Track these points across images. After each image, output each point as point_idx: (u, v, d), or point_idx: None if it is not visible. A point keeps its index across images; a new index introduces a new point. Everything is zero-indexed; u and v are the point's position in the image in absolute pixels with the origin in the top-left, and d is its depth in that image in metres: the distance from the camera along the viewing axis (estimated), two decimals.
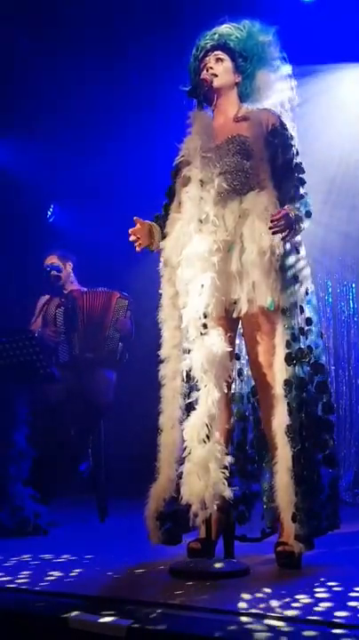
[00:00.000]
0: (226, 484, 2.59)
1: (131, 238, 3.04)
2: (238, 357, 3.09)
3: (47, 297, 4.87)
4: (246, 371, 3.09)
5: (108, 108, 5.53)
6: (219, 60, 3.07)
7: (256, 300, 2.83)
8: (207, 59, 3.07)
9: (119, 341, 4.68)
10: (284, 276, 2.84)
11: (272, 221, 2.74)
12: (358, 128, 5.24)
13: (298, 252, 2.92)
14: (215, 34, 3.09)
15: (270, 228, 2.75)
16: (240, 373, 3.10)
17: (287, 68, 3.09)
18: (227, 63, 3.07)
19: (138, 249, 3.06)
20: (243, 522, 3.04)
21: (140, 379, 4.29)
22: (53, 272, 4.83)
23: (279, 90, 3.08)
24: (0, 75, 5.33)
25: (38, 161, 5.84)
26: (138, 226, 3.04)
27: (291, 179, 2.91)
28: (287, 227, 2.76)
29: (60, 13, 5.07)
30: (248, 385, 3.10)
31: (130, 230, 3.04)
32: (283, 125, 2.98)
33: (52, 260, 4.91)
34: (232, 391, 3.04)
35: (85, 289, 4.86)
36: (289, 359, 2.79)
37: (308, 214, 2.87)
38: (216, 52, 3.07)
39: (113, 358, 4.66)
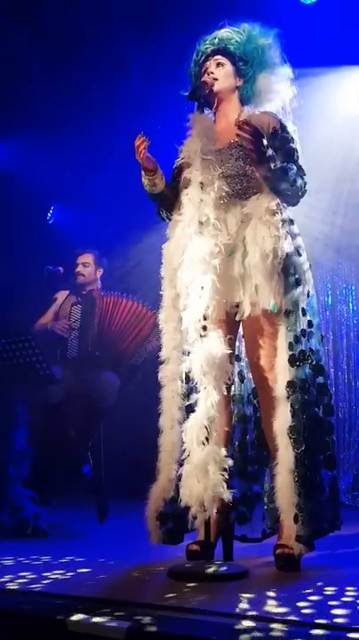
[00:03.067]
0: (225, 486, 2.59)
1: (138, 142, 2.92)
2: (239, 359, 3.09)
3: (66, 293, 4.84)
4: (247, 372, 3.09)
5: (109, 109, 5.53)
6: (219, 64, 3.07)
7: (259, 303, 2.84)
8: (208, 63, 3.07)
9: (143, 359, 4.67)
10: (287, 279, 2.84)
11: (238, 126, 2.75)
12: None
13: (299, 255, 2.93)
14: (215, 38, 3.09)
15: (236, 125, 2.76)
16: (241, 375, 3.10)
17: (288, 71, 3.10)
18: (228, 67, 3.07)
19: (139, 155, 2.92)
20: (244, 522, 3.05)
21: (141, 379, 4.30)
22: (81, 270, 4.79)
23: (280, 92, 3.08)
24: (0, 75, 5.33)
25: (38, 161, 5.84)
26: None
27: None
28: (253, 139, 2.76)
29: (61, 14, 5.07)
30: (249, 386, 3.10)
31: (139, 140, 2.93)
32: (283, 128, 2.99)
33: (87, 259, 4.85)
34: (233, 392, 3.05)
35: (115, 293, 4.83)
36: (292, 361, 2.80)
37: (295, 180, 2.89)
38: (216, 57, 3.07)
39: (133, 372, 4.65)
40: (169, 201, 3.04)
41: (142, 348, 4.68)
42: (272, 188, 2.88)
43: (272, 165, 2.82)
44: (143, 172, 2.98)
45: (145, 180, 3.00)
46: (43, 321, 4.75)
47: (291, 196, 2.93)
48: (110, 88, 5.44)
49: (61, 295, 4.85)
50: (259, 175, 2.87)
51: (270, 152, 2.82)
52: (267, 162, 2.81)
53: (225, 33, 3.09)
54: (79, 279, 4.83)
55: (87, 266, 4.86)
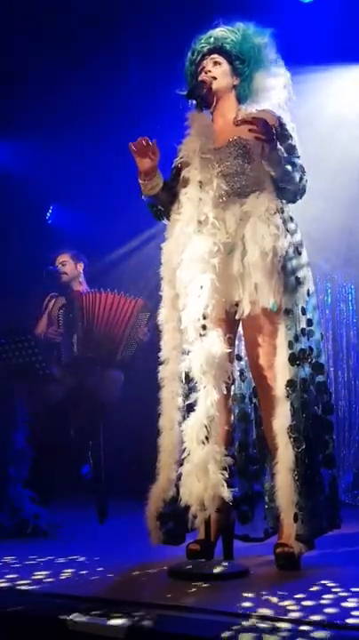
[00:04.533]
0: (225, 485, 2.59)
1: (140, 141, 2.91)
2: (239, 358, 3.09)
3: (54, 295, 4.87)
4: (248, 371, 3.08)
5: (108, 108, 5.53)
6: (216, 63, 3.06)
7: (258, 301, 2.83)
8: (204, 62, 3.07)
9: (135, 349, 4.69)
10: (286, 278, 2.84)
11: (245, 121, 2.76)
12: (356, 130, 5.24)
13: (299, 254, 2.93)
14: (210, 37, 3.09)
15: (237, 122, 2.77)
16: (241, 374, 3.10)
17: (284, 69, 3.10)
18: (225, 66, 3.07)
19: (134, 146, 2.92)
20: (246, 522, 3.04)
21: (141, 380, 4.29)
22: (62, 270, 4.84)
23: (277, 91, 3.09)
24: (0, 75, 5.33)
25: (38, 161, 5.84)
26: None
27: None
28: (265, 131, 2.76)
29: (60, 13, 5.07)
30: (250, 385, 3.10)
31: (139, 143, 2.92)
32: (282, 126, 2.98)
33: (64, 258, 4.91)
34: (234, 392, 3.05)
35: (93, 290, 4.85)
36: (292, 360, 2.80)
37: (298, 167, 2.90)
38: (213, 56, 3.07)
39: (126, 363, 4.66)
40: (160, 204, 3.05)
41: (131, 336, 4.68)
42: (279, 183, 2.88)
43: (282, 157, 2.83)
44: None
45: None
46: (39, 329, 4.76)
47: (293, 192, 2.93)
48: (110, 88, 5.44)
49: (50, 299, 4.86)
50: (268, 169, 2.86)
51: (279, 144, 2.83)
52: (277, 152, 2.81)
53: (220, 32, 3.09)
54: (63, 278, 4.88)
55: (66, 264, 4.91)
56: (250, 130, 2.76)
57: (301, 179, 2.92)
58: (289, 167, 2.87)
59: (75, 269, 4.91)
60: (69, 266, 4.91)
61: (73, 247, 5.08)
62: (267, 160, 2.84)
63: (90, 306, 4.73)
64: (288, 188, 2.91)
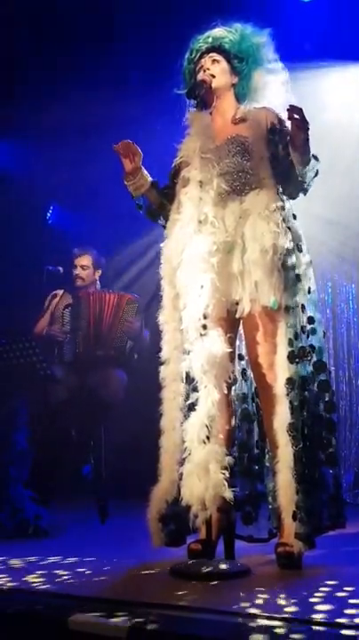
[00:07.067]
0: (226, 485, 2.58)
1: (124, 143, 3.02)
2: (241, 357, 3.09)
3: (60, 292, 4.83)
4: (249, 370, 3.08)
5: (108, 108, 5.52)
6: (215, 61, 3.07)
7: (259, 299, 2.83)
8: (203, 60, 3.08)
9: (127, 342, 4.68)
10: (287, 275, 2.84)
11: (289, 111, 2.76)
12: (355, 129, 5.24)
13: (300, 251, 2.93)
14: (209, 37, 3.10)
15: (289, 118, 2.76)
16: (244, 373, 3.10)
17: (283, 68, 3.10)
18: (224, 64, 3.08)
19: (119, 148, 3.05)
20: (250, 522, 3.04)
21: (142, 380, 4.29)
22: (80, 274, 4.79)
23: (276, 89, 3.09)
24: (0, 75, 5.33)
25: (38, 162, 5.84)
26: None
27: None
28: (303, 119, 2.76)
29: (60, 13, 5.07)
30: (252, 385, 3.09)
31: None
32: (281, 123, 2.99)
33: (86, 261, 4.83)
34: (236, 391, 3.05)
35: (99, 290, 4.84)
36: (291, 357, 2.79)
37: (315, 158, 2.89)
38: (211, 54, 3.07)
39: (120, 357, 4.65)
40: (152, 203, 3.10)
41: (122, 330, 4.68)
42: (299, 177, 2.88)
43: (309, 153, 2.84)
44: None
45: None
46: (40, 326, 4.75)
47: (299, 188, 2.94)
48: (110, 88, 5.44)
49: (55, 296, 4.83)
50: (295, 160, 2.85)
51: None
52: (308, 143, 2.81)
53: (218, 32, 3.10)
54: (78, 282, 4.82)
55: (86, 268, 4.83)
56: (289, 118, 2.76)
57: (317, 173, 2.92)
58: (313, 161, 2.87)
59: (93, 276, 4.85)
60: (89, 271, 4.83)
61: (72, 247, 5.04)
62: (300, 152, 2.83)
63: (97, 306, 4.72)
64: (300, 184, 2.91)
